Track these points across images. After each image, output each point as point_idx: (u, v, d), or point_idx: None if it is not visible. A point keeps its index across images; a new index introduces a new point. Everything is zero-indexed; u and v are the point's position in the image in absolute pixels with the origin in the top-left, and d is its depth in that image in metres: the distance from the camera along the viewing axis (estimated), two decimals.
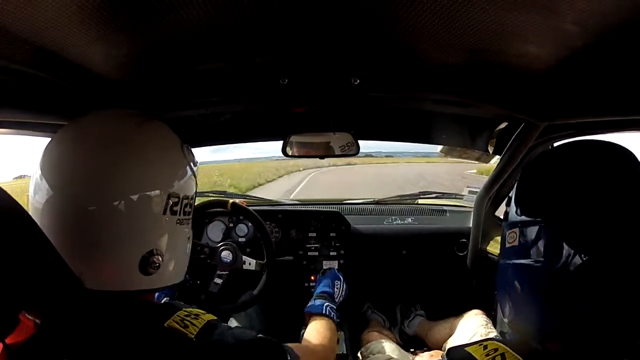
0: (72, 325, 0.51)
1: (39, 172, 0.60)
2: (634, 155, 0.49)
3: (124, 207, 0.59)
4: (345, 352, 1.38)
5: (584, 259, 0.45)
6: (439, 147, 1.81)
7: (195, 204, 0.75)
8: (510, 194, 0.58)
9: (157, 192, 0.62)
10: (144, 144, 0.64)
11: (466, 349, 0.55)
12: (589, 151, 0.52)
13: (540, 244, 0.50)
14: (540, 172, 0.55)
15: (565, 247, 0.47)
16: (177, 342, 0.60)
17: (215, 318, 0.69)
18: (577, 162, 0.51)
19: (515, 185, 0.57)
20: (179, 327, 0.62)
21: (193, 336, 0.62)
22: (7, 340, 0.45)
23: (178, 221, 0.66)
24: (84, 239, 0.58)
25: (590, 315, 0.46)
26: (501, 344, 0.53)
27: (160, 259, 0.63)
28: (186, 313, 0.65)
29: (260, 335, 0.70)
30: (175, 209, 0.65)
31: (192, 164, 0.71)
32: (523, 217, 0.53)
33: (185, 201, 0.67)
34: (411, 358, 1.25)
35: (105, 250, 0.59)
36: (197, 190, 0.75)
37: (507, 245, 0.56)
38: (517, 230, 0.54)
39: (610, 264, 0.45)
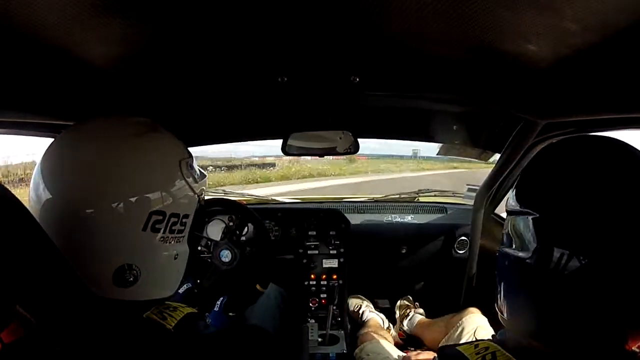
0: (64, 322, 0.51)
1: (38, 171, 0.60)
2: (635, 150, 0.48)
3: (102, 216, 0.57)
4: (345, 351, 1.38)
5: (576, 257, 0.45)
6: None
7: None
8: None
9: (138, 207, 0.60)
10: (133, 155, 0.61)
11: (457, 347, 0.55)
12: (590, 146, 0.51)
13: (533, 239, 0.49)
14: (540, 166, 0.54)
15: (558, 244, 0.46)
16: (155, 332, 0.62)
17: (195, 311, 0.71)
18: (577, 157, 0.50)
19: (518, 178, 0.56)
20: (157, 318, 0.64)
21: (171, 327, 0.63)
22: (5, 339, 0.45)
23: (162, 239, 0.63)
24: (67, 241, 0.56)
25: (579, 315, 0.46)
26: (492, 343, 0.53)
27: (137, 273, 0.61)
28: (165, 306, 0.67)
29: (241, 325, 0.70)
30: (158, 226, 0.62)
31: (190, 180, 0.67)
32: (519, 209, 0.52)
33: (173, 219, 0.64)
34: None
35: (84, 256, 0.57)
36: None
37: (504, 236, 0.56)
38: (511, 221, 0.54)
39: (603, 264, 0.44)
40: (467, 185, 1.73)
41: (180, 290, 1.11)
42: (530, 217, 0.50)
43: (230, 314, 1.11)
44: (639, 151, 0.48)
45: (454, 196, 1.87)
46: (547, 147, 0.56)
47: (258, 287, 1.13)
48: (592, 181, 0.47)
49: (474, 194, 1.51)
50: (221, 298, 1.13)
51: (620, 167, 0.47)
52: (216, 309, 1.11)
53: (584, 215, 0.45)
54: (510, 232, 0.54)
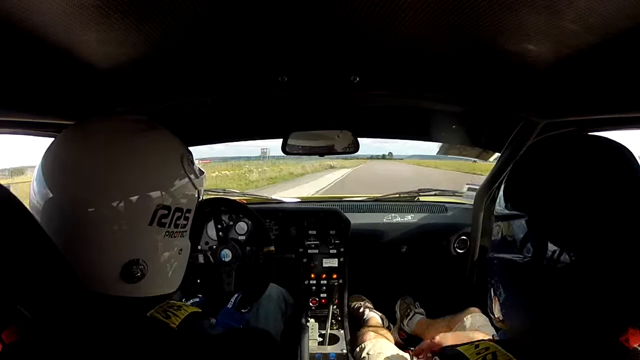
0: (64, 321, 0.51)
1: (40, 171, 0.60)
2: (626, 150, 0.48)
3: (109, 213, 0.58)
4: (345, 351, 1.39)
5: (567, 256, 0.45)
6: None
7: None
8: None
9: (145, 202, 0.61)
10: (137, 151, 0.62)
11: (458, 348, 0.55)
12: (577, 144, 0.51)
13: (523, 240, 0.49)
14: (527, 165, 0.54)
15: (549, 244, 0.46)
16: (159, 331, 0.62)
17: (199, 310, 0.71)
18: (564, 155, 0.50)
19: (505, 178, 0.56)
20: (161, 317, 0.64)
21: (175, 326, 0.64)
22: (6, 339, 0.45)
23: (167, 233, 0.64)
24: (71, 239, 0.57)
25: (574, 313, 0.46)
26: (493, 343, 0.53)
27: (145, 268, 0.62)
28: (169, 305, 0.68)
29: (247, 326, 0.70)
30: (164, 220, 0.63)
31: (192, 176, 0.68)
32: (508, 211, 0.53)
33: (177, 214, 0.65)
34: (407, 357, 1.25)
35: (89, 253, 0.58)
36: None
37: (493, 238, 0.57)
38: (501, 223, 0.54)
39: (593, 262, 0.44)
40: (467, 184, 1.73)
41: (189, 302, 1.12)
42: (521, 220, 0.50)
43: (243, 310, 1.11)
44: (610, 141, 0.49)
45: (454, 195, 1.87)
46: (530, 149, 0.56)
47: (265, 249, 1.16)
48: (579, 179, 0.47)
49: (473, 194, 1.51)
50: (236, 295, 1.13)
51: (601, 162, 0.47)
52: (229, 305, 1.12)
53: (574, 214, 0.45)
54: (502, 237, 0.54)
